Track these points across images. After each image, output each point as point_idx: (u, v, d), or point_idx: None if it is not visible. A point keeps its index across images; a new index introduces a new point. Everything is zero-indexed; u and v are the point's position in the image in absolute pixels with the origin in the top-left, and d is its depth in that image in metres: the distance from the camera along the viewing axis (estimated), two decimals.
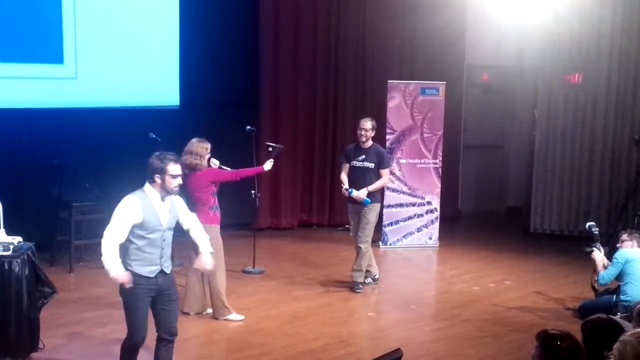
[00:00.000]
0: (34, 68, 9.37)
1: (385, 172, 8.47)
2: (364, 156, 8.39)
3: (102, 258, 5.20)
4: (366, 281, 8.60)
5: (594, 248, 7.77)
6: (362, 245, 8.41)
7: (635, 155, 11.13)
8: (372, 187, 8.32)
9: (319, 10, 11.50)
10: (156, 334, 5.47)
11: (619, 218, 10.62)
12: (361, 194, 8.22)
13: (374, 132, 8.49)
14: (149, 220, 5.25)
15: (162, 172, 5.24)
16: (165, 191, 5.30)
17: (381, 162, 8.43)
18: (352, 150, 8.53)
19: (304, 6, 11.39)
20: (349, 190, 8.26)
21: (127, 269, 5.22)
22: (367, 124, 8.44)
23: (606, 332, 3.93)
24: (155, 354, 5.52)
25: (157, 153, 5.36)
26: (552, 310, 8.02)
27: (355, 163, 8.41)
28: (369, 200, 8.27)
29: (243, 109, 11.15)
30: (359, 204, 8.30)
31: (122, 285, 5.24)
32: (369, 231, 8.41)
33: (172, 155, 5.36)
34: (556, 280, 9.23)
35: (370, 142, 8.45)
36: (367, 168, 8.37)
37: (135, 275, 5.23)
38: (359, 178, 8.33)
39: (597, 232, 7.88)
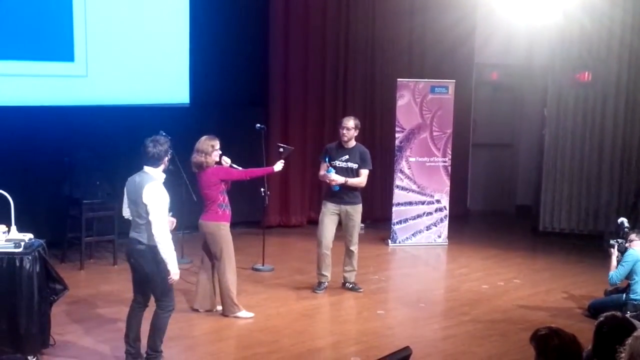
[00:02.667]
0: (45, 66, 9.40)
1: (365, 173, 8.11)
2: (347, 156, 8.06)
3: (167, 254, 5.76)
4: (347, 285, 8.44)
5: (616, 242, 7.77)
6: (354, 248, 8.30)
7: None
8: (351, 182, 8.04)
9: (329, 9, 11.51)
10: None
11: (628, 217, 10.58)
12: (338, 178, 7.98)
13: (357, 131, 8.12)
14: (169, 201, 5.85)
15: (168, 152, 5.89)
16: (164, 171, 5.91)
17: (364, 163, 8.11)
18: (334, 150, 8.15)
19: (314, 4, 11.40)
20: (329, 169, 7.96)
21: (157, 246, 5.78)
22: (350, 122, 8.07)
23: (619, 330, 3.94)
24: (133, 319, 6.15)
25: (150, 139, 5.85)
26: (561, 309, 8.02)
27: (338, 163, 8.06)
28: (338, 188, 8.00)
29: (253, 107, 11.17)
30: (342, 204, 8.07)
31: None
32: (357, 233, 8.31)
33: (164, 137, 6.00)
34: (565, 278, 9.22)
35: (353, 142, 8.12)
36: (351, 169, 8.07)
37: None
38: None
39: (627, 229, 7.89)
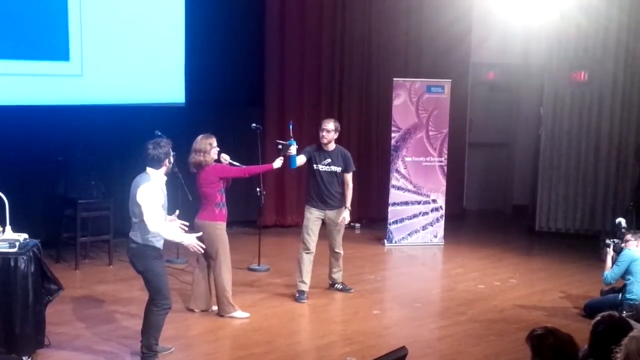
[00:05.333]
0: (40, 65, 9.38)
1: (350, 177, 8.05)
2: (329, 160, 7.96)
3: (169, 238, 5.98)
4: (337, 286, 8.41)
5: (612, 242, 7.77)
6: (340, 250, 8.23)
7: None
8: (349, 202, 8.04)
9: (325, 8, 11.49)
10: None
11: (624, 216, 10.58)
12: (347, 215, 7.98)
13: (337, 134, 8.02)
14: (165, 201, 5.98)
15: (169, 155, 6.00)
16: (167, 173, 6.05)
17: (347, 166, 8.02)
18: (316, 152, 8.03)
19: (310, 4, 11.38)
20: (290, 140, 7.74)
21: (149, 244, 5.92)
22: (330, 124, 7.96)
23: (616, 330, 3.93)
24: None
25: (152, 142, 5.98)
26: (557, 309, 8.01)
27: (321, 167, 7.95)
28: (295, 165, 7.92)
29: (248, 107, 11.15)
30: (326, 209, 7.95)
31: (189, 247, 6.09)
32: (341, 235, 8.21)
33: (165, 140, 6.09)
34: (562, 278, 9.22)
35: (333, 145, 8.01)
36: (334, 172, 7.97)
37: (157, 250, 6.00)
38: (328, 183, 7.97)
39: (624, 230, 7.89)
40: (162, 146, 5.95)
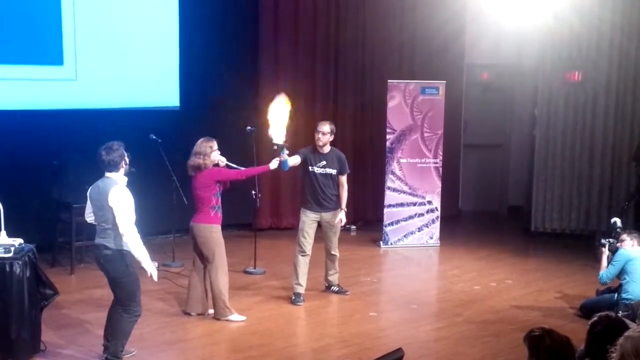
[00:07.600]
0: (34, 70, 9.35)
1: (345, 179, 8.05)
2: (324, 162, 7.98)
3: (139, 254, 5.87)
4: (333, 289, 8.40)
5: (608, 242, 7.78)
6: (336, 252, 8.21)
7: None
8: (344, 204, 8.07)
9: (319, 10, 11.50)
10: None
11: (620, 216, 10.60)
12: (342, 216, 8.02)
13: (332, 136, 8.03)
14: (133, 204, 5.92)
15: (124, 156, 6.00)
16: (126, 174, 6.04)
17: (342, 168, 8.04)
18: (311, 155, 8.05)
19: (304, 6, 11.39)
20: (282, 150, 7.69)
21: (124, 249, 5.88)
22: (325, 127, 7.98)
23: (612, 330, 3.94)
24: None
25: (103, 147, 5.96)
26: (553, 309, 8.02)
27: (317, 169, 7.97)
28: (287, 168, 7.87)
29: (243, 110, 11.13)
30: (322, 211, 7.97)
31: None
32: (337, 237, 8.20)
33: (117, 143, 6.02)
34: (557, 279, 9.23)
35: (328, 147, 8.03)
36: (329, 174, 7.98)
37: (131, 255, 5.91)
38: (323, 185, 7.98)
39: (619, 229, 7.90)
40: (114, 149, 5.95)
